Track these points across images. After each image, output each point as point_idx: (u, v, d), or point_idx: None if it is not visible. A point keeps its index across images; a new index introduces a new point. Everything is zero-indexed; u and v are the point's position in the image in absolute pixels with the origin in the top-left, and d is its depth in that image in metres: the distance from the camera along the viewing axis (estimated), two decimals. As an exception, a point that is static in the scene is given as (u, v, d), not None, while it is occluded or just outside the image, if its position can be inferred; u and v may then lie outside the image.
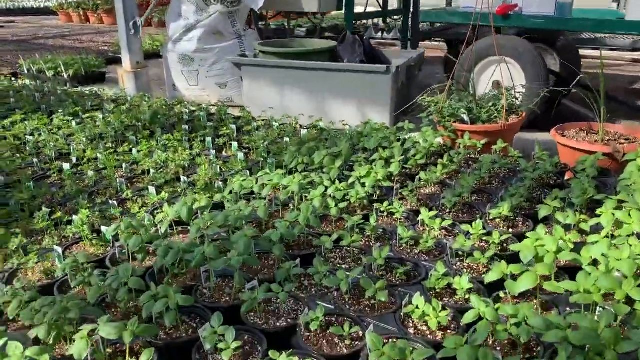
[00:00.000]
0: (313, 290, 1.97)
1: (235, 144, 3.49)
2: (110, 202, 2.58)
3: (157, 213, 2.52)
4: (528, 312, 1.60)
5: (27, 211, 2.53)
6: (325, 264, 2.01)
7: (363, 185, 2.67)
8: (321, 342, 1.67)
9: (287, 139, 3.49)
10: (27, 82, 6.09)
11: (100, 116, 4.10)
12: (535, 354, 1.63)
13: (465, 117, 3.53)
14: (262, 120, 4.26)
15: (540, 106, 3.92)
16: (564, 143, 3.31)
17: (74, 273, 1.91)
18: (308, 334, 1.70)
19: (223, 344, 1.57)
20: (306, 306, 1.85)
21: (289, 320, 1.79)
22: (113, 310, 1.87)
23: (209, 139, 3.59)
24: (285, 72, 4.67)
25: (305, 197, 2.56)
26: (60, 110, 4.26)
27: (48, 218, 2.37)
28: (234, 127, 3.80)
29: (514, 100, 3.82)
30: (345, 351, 1.63)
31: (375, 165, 2.87)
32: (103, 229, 2.27)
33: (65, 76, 6.60)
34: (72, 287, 1.93)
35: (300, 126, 4.06)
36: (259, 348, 1.66)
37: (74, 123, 3.98)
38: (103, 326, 1.52)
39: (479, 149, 3.34)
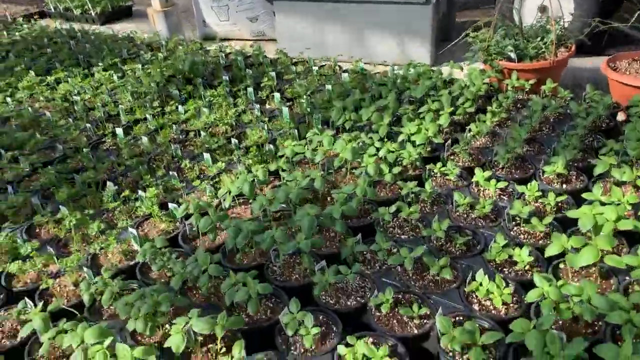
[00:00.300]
0: (377, 265, 2.07)
1: (277, 96, 3.49)
2: (170, 173, 2.67)
3: (217, 183, 2.62)
4: (591, 292, 1.67)
5: (93, 186, 2.65)
6: (385, 236, 2.10)
7: (413, 144, 2.69)
8: (392, 321, 1.80)
9: (329, 87, 3.46)
10: (57, 24, 6.04)
11: (139, 66, 4.11)
12: (596, 328, 1.72)
13: (512, 55, 3.42)
14: (300, 60, 4.20)
15: (589, 35, 3.75)
16: (615, 79, 3.21)
17: (153, 257, 2.04)
18: (379, 314, 1.82)
19: (303, 329, 1.70)
20: (372, 282, 1.96)
21: (358, 298, 1.91)
22: (194, 292, 2.02)
23: (250, 89, 3.60)
24: (319, 6, 4.52)
25: (358, 162, 2.59)
26: (100, 63, 4.27)
27: (117, 197, 2.49)
28: (273, 74, 3.77)
29: (562, 30, 3.65)
30: (416, 331, 1.75)
31: (424, 119, 2.87)
32: (171, 206, 2.38)
33: (93, 14, 6.52)
34: (153, 270, 2.07)
35: (340, 67, 4.00)
36: (334, 328, 1.79)
37: (115, 77, 4.01)
38: (195, 321, 1.66)
39: (527, 90, 3.27)
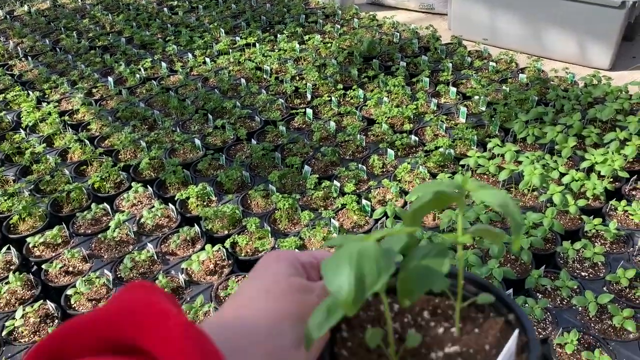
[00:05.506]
0: (557, 299, 2.26)
1: (453, 91, 3.63)
2: (359, 166, 2.96)
3: (400, 182, 2.88)
4: None
5: (294, 171, 3.01)
6: (566, 272, 2.27)
7: (598, 173, 2.75)
8: (572, 360, 2.01)
9: (505, 88, 3.54)
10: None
11: (318, 37, 4.38)
12: None
13: None
14: (475, 51, 4.25)
15: None
16: None
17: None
18: (560, 350, 2.04)
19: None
20: (553, 317, 2.17)
21: (540, 329, 2.13)
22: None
23: (426, 79, 3.76)
24: (499, -8, 4.46)
25: (544, 186, 2.72)
26: (284, 31, 4.57)
27: (317, 185, 2.83)
28: (450, 65, 3.88)
29: None
30: (595, 374, 1.96)
31: (609, 148, 2.90)
32: (364, 202, 2.69)
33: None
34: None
35: (516, 64, 4.01)
36: (517, 354, 2.04)
37: (297, 46, 4.31)
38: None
39: None
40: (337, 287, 0.44)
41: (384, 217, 2.59)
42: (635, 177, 2.79)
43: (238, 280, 2.36)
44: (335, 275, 0.45)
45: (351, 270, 0.44)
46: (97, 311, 0.42)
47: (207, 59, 4.18)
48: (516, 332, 0.52)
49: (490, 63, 3.92)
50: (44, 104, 3.80)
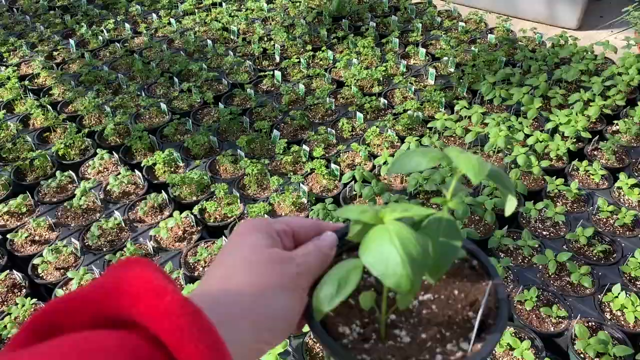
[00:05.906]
0: (519, 258, 2.33)
1: (422, 52, 3.61)
2: (329, 130, 2.96)
3: (369, 145, 2.89)
4: None
5: (263, 135, 2.98)
6: (529, 232, 2.34)
7: (562, 134, 2.80)
8: (531, 316, 2.09)
9: (475, 49, 3.54)
10: None
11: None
12: None
13: (675, 44, 3.31)
14: (445, 10, 4.22)
15: None
16: None
17: (323, 219, 2.39)
18: (520, 307, 2.12)
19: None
20: (514, 275, 2.24)
21: (501, 287, 2.20)
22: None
23: (396, 40, 3.72)
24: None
25: (508, 148, 2.76)
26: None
27: (287, 149, 2.82)
28: (419, 26, 3.85)
29: None
30: (552, 329, 2.04)
31: (573, 109, 2.94)
32: (333, 166, 2.70)
33: None
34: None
35: (485, 24, 4.00)
36: (479, 312, 2.11)
37: (265, 6, 4.21)
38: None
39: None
40: (390, 272, 0.44)
41: (353, 181, 2.61)
42: (597, 137, 2.85)
43: (207, 247, 2.37)
44: (382, 259, 0.45)
45: (399, 254, 0.44)
46: (93, 286, 0.42)
47: (172, 20, 4.06)
48: (491, 282, 0.56)
49: (460, 23, 3.90)
50: (2, 68, 3.66)
